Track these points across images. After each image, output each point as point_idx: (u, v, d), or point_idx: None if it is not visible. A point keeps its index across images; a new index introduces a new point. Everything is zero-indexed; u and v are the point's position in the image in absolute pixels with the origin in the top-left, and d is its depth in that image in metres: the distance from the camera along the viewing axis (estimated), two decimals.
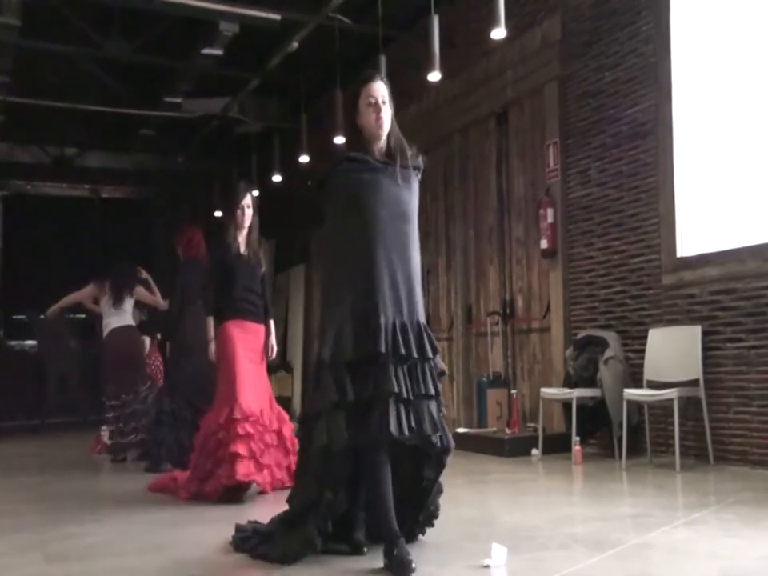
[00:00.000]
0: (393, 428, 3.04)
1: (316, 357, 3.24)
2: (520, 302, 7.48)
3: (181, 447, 6.16)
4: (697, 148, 5.89)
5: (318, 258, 10.76)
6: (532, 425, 6.88)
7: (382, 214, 3.21)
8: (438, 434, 3.22)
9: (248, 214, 5.09)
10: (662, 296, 5.98)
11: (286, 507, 3.38)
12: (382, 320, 3.13)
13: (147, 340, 8.57)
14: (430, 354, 3.23)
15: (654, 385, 5.72)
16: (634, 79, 6.25)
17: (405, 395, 3.10)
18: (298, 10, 8.02)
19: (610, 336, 6.18)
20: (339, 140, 8.30)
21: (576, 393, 5.97)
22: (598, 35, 6.60)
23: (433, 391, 3.21)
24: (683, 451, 5.45)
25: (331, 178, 3.35)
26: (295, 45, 8.56)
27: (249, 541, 3.41)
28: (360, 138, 3.37)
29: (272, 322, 5.29)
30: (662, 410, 5.77)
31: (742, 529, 3.57)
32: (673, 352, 5.67)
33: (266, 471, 4.85)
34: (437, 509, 3.45)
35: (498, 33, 6.09)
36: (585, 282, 6.74)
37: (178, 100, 10.32)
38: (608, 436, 6.13)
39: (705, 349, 5.52)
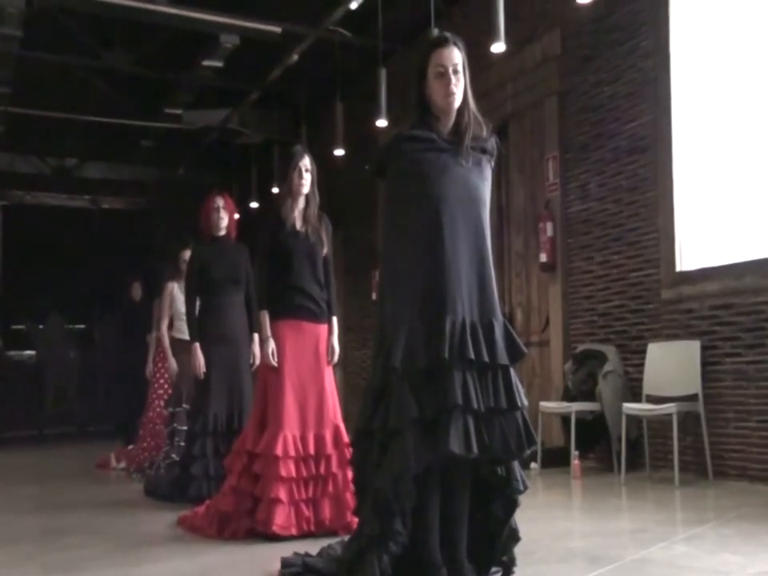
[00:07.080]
0: (454, 445, 2.60)
1: (381, 365, 2.76)
2: (519, 316, 7.47)
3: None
4: (696, 162, 5.90)
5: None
6: None
7: (450, 197, 2.80)
8: (515, 455, 2.77)
9: (306, 179, 4.23)
10: (661, 310, 5.99)
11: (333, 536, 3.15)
12: (448, 320, 2.71)
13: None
14: (503, 360, 2.76)
15: (653, 399, 5.72)
16: (634, 94, 6.27)
17: (474, 406, 2.66)
18: (299, 22, 8.05)
19: (609, 350, 6.18)
20: (339, 152, 8.36)
21: (575, 407, 5.96)
22: (597, 50, 6.63)
23: (505, 404, 2.73)
24: (682, 466, 5.44)
25: (391, 160, 2.92)
26: (295, 57, 8.60)
27: None
28: (428, 113, 2.92)
29: (335, 320, 4.35)
30: (660, 424, 5.76)
31: (741, 544, 3.56)
32: (672, 366, 5.66)
33: (308, 515, 3.97)
34: (512, 561, 2.91)
35: (498, 47, 6.11)
36: (584, 295, 6.74)
37: (179, 111, 10.34)
38: (607, 450, 6.12)
39: (704, 363, 5.52)
